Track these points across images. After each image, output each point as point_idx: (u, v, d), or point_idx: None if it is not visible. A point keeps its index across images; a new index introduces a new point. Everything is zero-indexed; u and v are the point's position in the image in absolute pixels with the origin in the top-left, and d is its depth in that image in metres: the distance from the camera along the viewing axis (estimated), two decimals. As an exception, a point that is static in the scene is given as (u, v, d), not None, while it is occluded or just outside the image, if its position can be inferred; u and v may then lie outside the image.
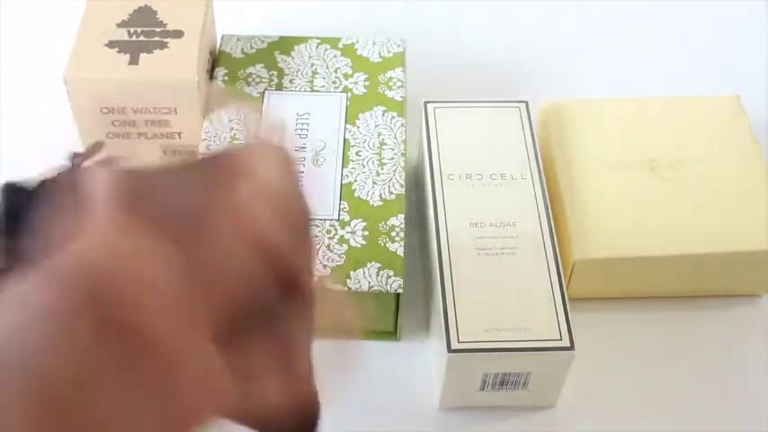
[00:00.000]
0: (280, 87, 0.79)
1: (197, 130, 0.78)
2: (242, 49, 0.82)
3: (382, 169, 0.74)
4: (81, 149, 0.72)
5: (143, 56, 0.76)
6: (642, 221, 0.71)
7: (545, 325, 0.64)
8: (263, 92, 0.79)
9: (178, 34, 0.78)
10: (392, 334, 0.71)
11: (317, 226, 0.69)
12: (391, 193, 0.72)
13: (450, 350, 0.62)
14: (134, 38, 0.77)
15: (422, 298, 0.74)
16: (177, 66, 0.76)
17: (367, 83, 0.79)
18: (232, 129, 0.76)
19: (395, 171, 0.73)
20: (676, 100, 0.80)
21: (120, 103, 0.76)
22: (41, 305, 0.33)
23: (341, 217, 0.70)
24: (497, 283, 0.66)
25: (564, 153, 0.76)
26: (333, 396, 0.68)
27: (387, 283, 0.67)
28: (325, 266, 0.67)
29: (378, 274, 0.67)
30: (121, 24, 0.78)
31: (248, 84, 0.79)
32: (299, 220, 0.42)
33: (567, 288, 0.71)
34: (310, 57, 0.81)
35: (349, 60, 0.81)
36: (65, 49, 0.78)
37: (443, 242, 0.68)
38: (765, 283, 0.73)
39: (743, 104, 0.79)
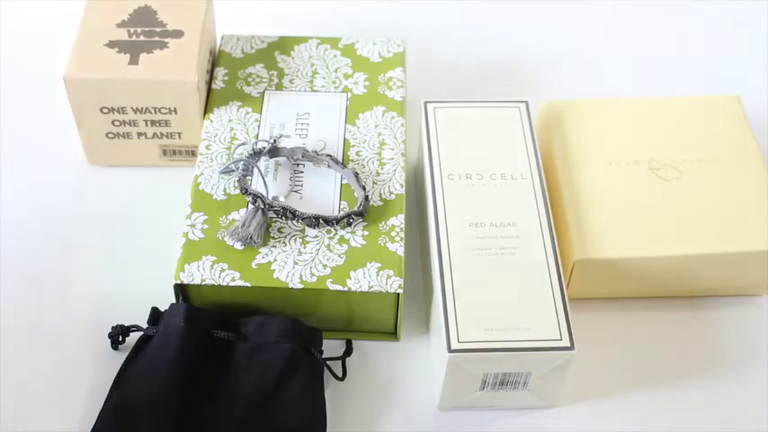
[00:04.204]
0: (280, 87, 0.79)
1: (197, 130, 0.78)
2: (242, 49, 0.82)
3: (382, 169, 0.74)
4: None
5: (143, 56, 0.76)
6: (642, 221, 0.71)
7: (545, 325, 0.64)
8: (263, 92, 0.79)
9: (178, 34, 0.78)
10: (392, 334, 0.71)
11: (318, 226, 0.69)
12: (391, 193, 0.72)
13: (450, 350, 0.62)
14: (134, 38, 0.77)
15: (422, 298, 0.74)
16: (177, 66, 0.76)
17: (367, 83, 0.79)
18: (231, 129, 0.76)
19: (395, 171, 0.73)
20: (676, 100, 0.80)
21: (120, 103, 0.76)
22: None
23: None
24: (497, 283, 0.66)
25: (564, 153, 0.76)
26: (333, 395, 0.68)
27: (387, 283, 0.67)
28: (325, 266, 0.67)
29: (378, 274, 0.67)
30: (121, 24, 0.78)
31: (248, 84, 0.79)
32: None
33: (567, 288, 0.71)
34: (310, 57, 0.81)
35: (349, 60, 0.81)
36: (65, 49, 0.78)
37: (443, 242, 0.68)
38: (765, 283, 0.73)
39: (743, 104, 0.79)
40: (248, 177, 0.72)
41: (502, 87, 0.90)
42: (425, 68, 0.89)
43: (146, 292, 0.72)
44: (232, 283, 0.66)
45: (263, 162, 0.73)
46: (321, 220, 0.69)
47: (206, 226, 0.70)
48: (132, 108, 0.77)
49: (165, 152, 0.80)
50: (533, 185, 0.71)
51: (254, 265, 0.67)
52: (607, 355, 0.71)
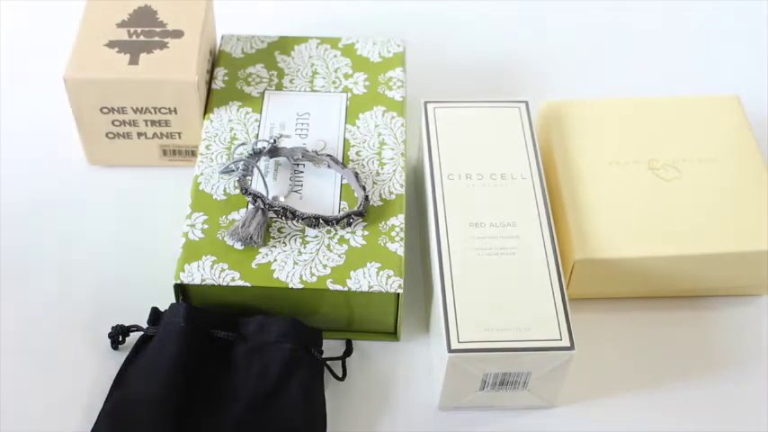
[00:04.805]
0: (280, 87, 0.79)
1: (197, 130, 0.78)
2: (242, 49, 0.82)
3: (382, 169, 0.74)
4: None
5: (143, 56, 0.76)
6: (642, 222, 0.71)
7: (545, 325, 0.64)
8: (263, 92, 0.79)
9: (178, 34, 0.78)
10: (392, 334, 0.71)
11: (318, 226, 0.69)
12: (391, 193, 0.72)
13: (450, 350, 0.62)
14: (134, 38, 0.77)
15: (422, 298, 0.74)
16: (177, 66, 0.76)
17: (367, 83, 0.79)
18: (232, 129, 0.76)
19: (395, 171, 0.73)
20: (676, 100, 0.80)
21: (120, 103, 0.76)
22: None
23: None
24: (497, 283, 0.66)
25: (564, 153, 0.76)
26: (333, 396, 0.68)
27: (387, 283, 0.67)
28: (325, 266, 0.67)
29: (378, 274, 0.67)
30: (121, 24, 0.78)
31: (248, 84, 0.79)
32: None
33: (567, 288, 0.71)
34: (310, 57, 0.81)
35: (349, 60, 0.81)
36: (65, 49, 0.78)
37: (443, 242, 0.68)
38: (765, 283, 0.73)
39: (743, 104, 0.79)
40: (248, 177, 0.72)
41: (502, 87, 0.90)
42: (425, 68, 0.89)
43: (146, 292, 0.72)
44: (232, 283, 0.66)
45: (263, 162, 0.73)
46: (321, 220, 0.69)
47: (206, 226, 0.70)
48: (132, 108, 0.77)
49: (165, 152, 0.80)
50: (533, 185, 0.71)
51: (254, 265, 0.67)
52: (607, 355, 0.71)
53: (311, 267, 0.67)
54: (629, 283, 0.72)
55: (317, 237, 0.69)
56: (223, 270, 0.67)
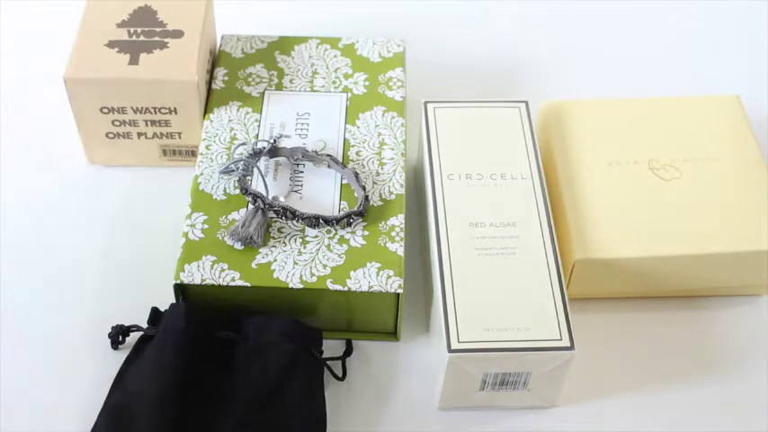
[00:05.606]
0: (280, 87, 0.79)
1: (197, 130, 0.78)
2: (242, 49, 0.82)
3: (382, 169, 0.74)
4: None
5: (143, 56, 0.76)
6: (642, 222, 0.71)
7: (545, 325, 0.64)
8: (263, 92, 0.79)
9: (178, 34, 0.78)
10: (392, 334, 0.71)
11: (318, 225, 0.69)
12: (391, 193, 0.72)
13: (450, 350, 0.62)
14: (134, 38, 0.77)
15: (422, 298, 0.74)
16: (177, 66, 0.76)
17: (367, 83, 0.79)
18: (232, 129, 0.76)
19: (395, 171, 0.73)
20: (676, 100, 0.80)
21: (120, 103, 0.76)
22: None
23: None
24: (497, 283, 0.66)
25: (564, 153, 0.76)
26: (333, 396, 0.68)
27: (387, 283, 0.67)
28: (325, 266, 0.67)
29: (378, 274, 0.67)
30: (121, 24, 0.78)
31: (248, 84, 0.79)
32: None
33: (567, 288, 0.71)
34: (310, 57, 0.81)
35: (349, 60, 0.81)
36: (65, 49, 0.78)
37: (443, 242, 0.68)
38: (765, 283, 0.73)
39: (743, 104, 0.79)
40: (248, 177, 0.72)
41: (502, 87, 0.90)
42: (425, 68, 0.89)
43: (146, 292, 0.72)
44: (232, 283, 0.66)
45: (263, 162, 0.73)
46: (321, 220, 0.69)
47: (206, 226, 0.70)
48: (132, 108, 0.77)
49: (165, 152, 0.80)
50: (533, 185, 0.71)
51: (254, 265, 0.67)
52: (607, 355, 0.71)
53: (311, 267, 0.67)
54: (629, 283, 0.72)
55: (317, 237, 0.69)
56: (223, 270, 0.67)
